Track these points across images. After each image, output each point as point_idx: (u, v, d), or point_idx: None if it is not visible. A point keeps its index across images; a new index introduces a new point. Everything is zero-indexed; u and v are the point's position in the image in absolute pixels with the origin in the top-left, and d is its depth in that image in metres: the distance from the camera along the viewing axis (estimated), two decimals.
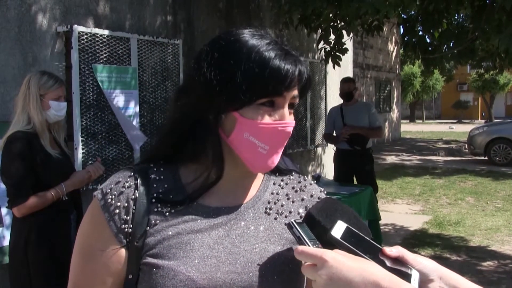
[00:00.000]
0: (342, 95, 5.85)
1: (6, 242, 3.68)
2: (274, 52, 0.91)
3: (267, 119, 0.92)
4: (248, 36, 0.93)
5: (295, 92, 0.95)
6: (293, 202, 1.05)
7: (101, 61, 4.39)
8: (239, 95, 0.90)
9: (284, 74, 0.90)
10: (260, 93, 0.90)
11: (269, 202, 1.02)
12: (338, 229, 0.86)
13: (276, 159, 0.96)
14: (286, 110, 0.94)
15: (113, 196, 0.93)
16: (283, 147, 0.97)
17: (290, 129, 0.94)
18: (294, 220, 0.89)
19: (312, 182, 1.12)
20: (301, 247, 0.83)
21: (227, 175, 0.98)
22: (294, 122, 0.96)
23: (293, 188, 1.07)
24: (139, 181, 0.95)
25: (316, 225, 0.89)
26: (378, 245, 0.86)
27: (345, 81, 5.84)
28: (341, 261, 0.78)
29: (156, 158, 1.01)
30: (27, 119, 2.57)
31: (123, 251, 0.92)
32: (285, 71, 0.90)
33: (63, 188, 2.62)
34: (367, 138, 5.67)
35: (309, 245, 0.84)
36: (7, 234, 3.68)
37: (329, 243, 0.84)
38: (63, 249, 2.56)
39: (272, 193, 1.04)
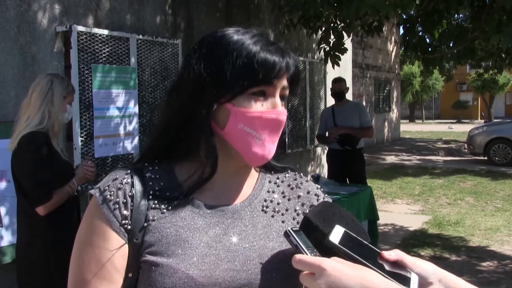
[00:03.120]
0: (333, 94, 5.91)
1: (4, 243, 3.67)
2: (260, 43, 0.94)
3: (260, 108, 0.93)
4: (233, 32, 0.96)
5: (285, 83, 0.96)
6: (289, 200, 1.05)
7: (101, 61, 4.38)
8: (231, 85, 0.91)
9: (273, 63, 0.92)
10: (250, 82, 0.91)
11: (265, 201, 1.02)
12: (336, 234, 0.85)
13: (272, 149, 0.96)
14: (277, 98, 0.95)
15: (112, 192, 0.93)
16: (278, 136, 0.97)
17: (283, 117, 0.95)
18: (291, 228, 0.88)
19: (308, 179, 1.12)
20: (298, 256, 0.82)
21: (221, 170, 0.98)
22: (286, 112, 0.97)
23: (289, 185, 1.07)
24: (135, 179, 0.95)
25: (314, 230, 0.88)
26: (377, 249, 0.85)
27: (336, 81, 5.88)
28: (340, 269, 0.77)
29: (150, 157, 1.02)
30: (40, 118, 2.57)
31: (126, 247, 0.91)
32: (273, 60, 0.92)
33: (75, 183, 2.68)
34: (358, 138, 5.69)
35: (306, 254, 0.83)
36: (6, 234, 3.67)
37: (327, 248, 0.83)
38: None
39: (268, 192, 1.04)
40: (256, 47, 0.92)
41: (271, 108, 0.94)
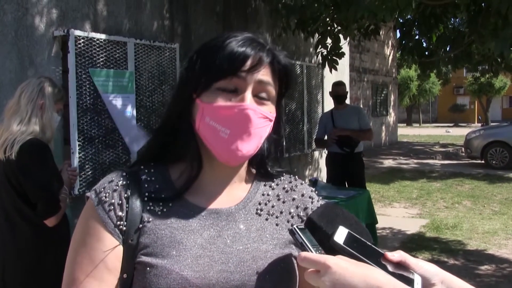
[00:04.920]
0: (334, 97, 5.93)
1: None
2: (236, 39, 0.94)
3: (225, 103, 0.92)
4: (224, 37, 0.96)
5: (260, 76, 0.93)
6: (283, 202, 1.05)
7: (98, 65, 4.38)
8: (198, 79, 0.94)
9: (237, 53, 0.91)
10: (214, 75, 0.92)
11: (259, 203, 1.02)
12: (340, 235, 0.85)
13: (242, 147, 0.92)
14: (247, 94, 0.92)
15: (107, 194, 0.94)
16: (248, 134, 0.92)
17: (248, 112, 0.91)
18: (297, 226, 0.89)
19: (303, 182, 1.13)
20: (304, 253, 0.83)
21: (209, 172, 0.99)
22: (257, 107, 0.93)
23: (283, 188, 1.08)
24: (130, 181, 0.96)
25: (317, 231, 0.88)
26: (380, 250, 0.86)
27: (338, 84, 5.94)
28: (344, 267, 0.78)
29: (146, 159, 1.03)
30: (34, 125, 2.43)
31: (120, 248, 0.92)
32: (238, 51, 0.91)
33: (66, 189, 2.63)
34: (357, 141, 5.73)
35: (311, 251, 0.84)
36: None
37: (331, 249, 0.84)
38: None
39: (263, 195, 1.04)
40: (228, 41, 0.93)
41: (239, 102, 0.92)
